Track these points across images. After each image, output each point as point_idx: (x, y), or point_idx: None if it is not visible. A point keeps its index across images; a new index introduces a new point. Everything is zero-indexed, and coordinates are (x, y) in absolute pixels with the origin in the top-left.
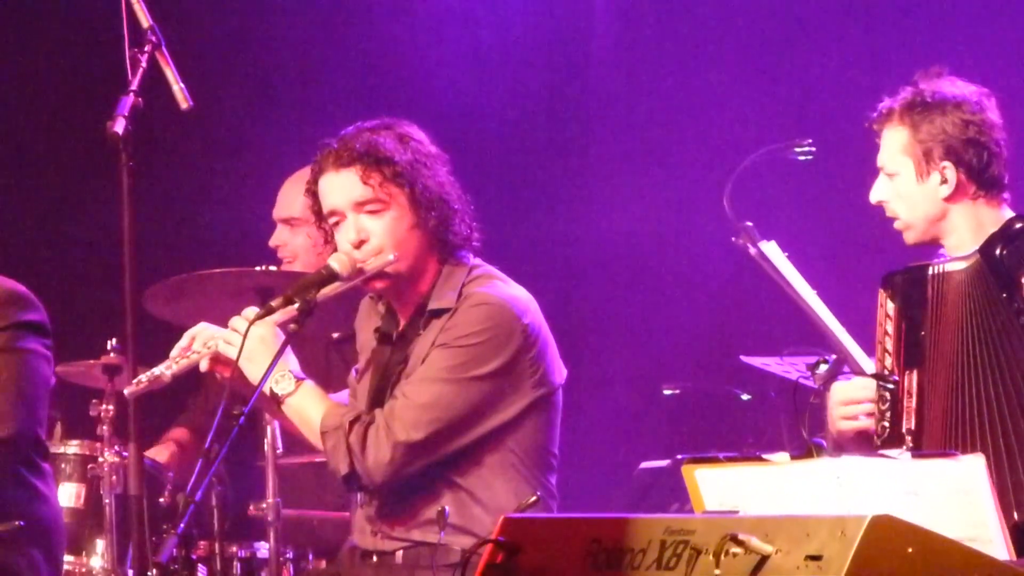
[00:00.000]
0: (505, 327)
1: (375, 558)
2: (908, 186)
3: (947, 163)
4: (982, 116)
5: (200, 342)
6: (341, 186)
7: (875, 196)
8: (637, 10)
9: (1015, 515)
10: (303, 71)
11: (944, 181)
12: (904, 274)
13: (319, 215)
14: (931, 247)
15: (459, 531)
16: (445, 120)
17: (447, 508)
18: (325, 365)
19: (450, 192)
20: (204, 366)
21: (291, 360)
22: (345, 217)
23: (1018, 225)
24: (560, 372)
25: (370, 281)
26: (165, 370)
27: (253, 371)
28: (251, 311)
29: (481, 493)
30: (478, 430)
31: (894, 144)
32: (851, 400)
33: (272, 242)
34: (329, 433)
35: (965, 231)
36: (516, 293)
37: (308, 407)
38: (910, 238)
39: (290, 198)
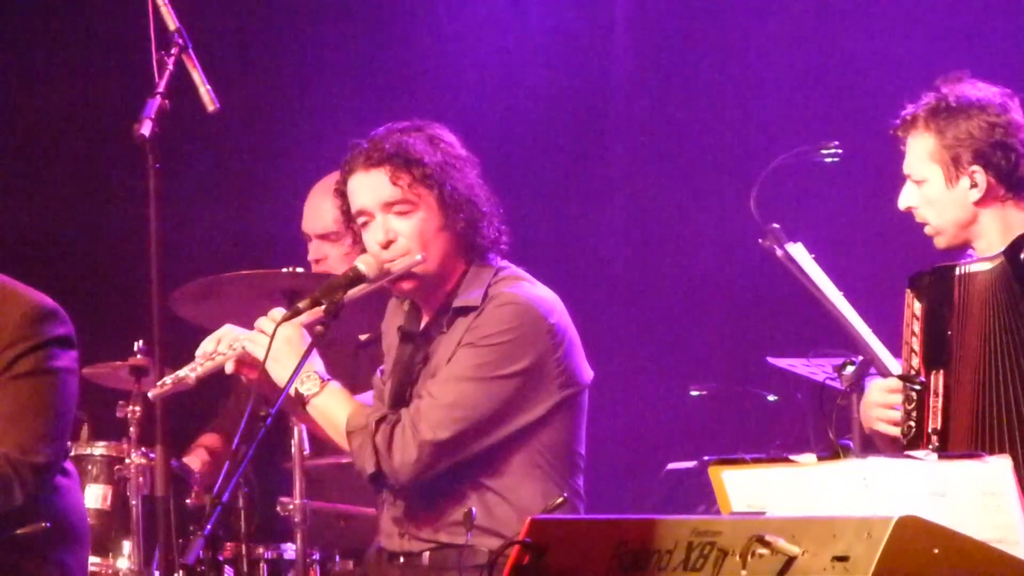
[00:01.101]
0: (532, 327)
1: (402, 559)
2: (937, 192)
3: (976, 167)
4: (1007, 117)
5: (226, 343)
6: (370, 186)
7: (903, 203)
8: (659, 12)
9: None
10: (328, 75)
11: (974, 185)
12: (931, 275)
13: (347, 215)
14: (961, 249)
15: (486, 532)
16: (470, 124)
17: (474, 509)
18: (353, 367)
19: (479, 195)
20: (229, 368)
21: (316, 361)
22: (374, 217)
23: None
24: (587, 372)
25: (397, 282)
26: (190, 372)
27: (279, 372)
28: (278, 312)
29: (508, 494)
30: (504, 430)
31: (921, 151)
32: (888, 403)
33: (312, 256)
34: (355, 433)
35: (995, 234)
36: (543, 294)
37: (334, 407)
38: (941, 243)
39: (323, 211)
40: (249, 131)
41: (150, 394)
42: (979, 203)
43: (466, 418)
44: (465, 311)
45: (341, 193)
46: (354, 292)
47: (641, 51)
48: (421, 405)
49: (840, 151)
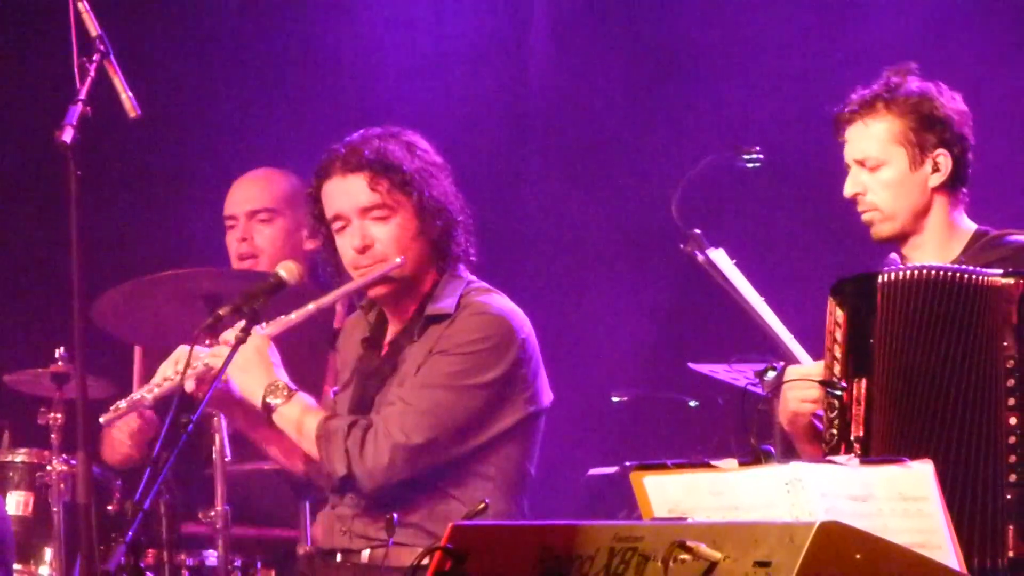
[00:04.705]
0: (504, 337)
1: (339, 556)
2: (898, 175)
3: (941, 151)
4: (964, 110)
5: (184, 364)
6: (348, 191)
7: (850, 190)
8: (578, 15)
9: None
10: (246, 78)
11: (937, 169)
12: (853, 282)
13: (319, 219)
14: (885, 249)
15: (435, 538)
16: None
17: (395, 515)
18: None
19: (453, 203)
20: (190, 387)
21: (282, 372)
22: (350, 222)
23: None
24: (548, 395)
25: (373, 286)
26: (146, 393)
27: (248, 381)
28: (239, 326)
29: (462, 500)
30: (476, 439)
31: (881, 133)
32: (807, 397)
33: (240, 235)
34: (325, 437)
35: (937, 229)
36: (513, 307)
37: (302, 415)
38: (885, 230)
39: (256, 190)
40: (170, 137)
41: (102, 419)
42: (937, 189)
43: (440, 424)
44: (438, 319)
45: (314, 198)
46: (335, 295)
47: (558, 54)
48: (393, 411)
49: (761, 156)
